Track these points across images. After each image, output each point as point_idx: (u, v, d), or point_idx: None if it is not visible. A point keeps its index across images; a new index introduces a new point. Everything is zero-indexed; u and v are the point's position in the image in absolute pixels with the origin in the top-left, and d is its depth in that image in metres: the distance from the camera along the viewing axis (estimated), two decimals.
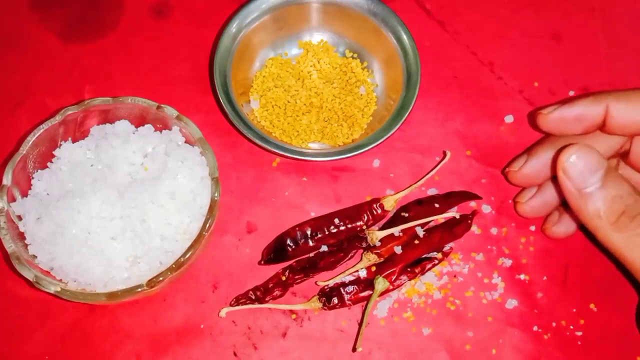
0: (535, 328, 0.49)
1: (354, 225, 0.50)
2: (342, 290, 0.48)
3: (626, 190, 0.39)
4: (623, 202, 0.39)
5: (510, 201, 0.53)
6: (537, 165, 0.48)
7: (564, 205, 0.49)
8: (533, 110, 0.52)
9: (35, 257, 0.45)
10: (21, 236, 0.46)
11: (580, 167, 0.39)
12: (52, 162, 0.49)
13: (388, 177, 0.54)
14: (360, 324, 0.48)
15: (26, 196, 0.47)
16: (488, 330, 0.49)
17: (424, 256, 0.50)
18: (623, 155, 0.47)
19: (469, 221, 0.51)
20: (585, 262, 0.51)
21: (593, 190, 0.39)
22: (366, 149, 0.50)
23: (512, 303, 0.49)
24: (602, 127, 0.45)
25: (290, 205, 0.53)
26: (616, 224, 0.39)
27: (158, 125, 0.50)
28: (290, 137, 0.54)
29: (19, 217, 0.46)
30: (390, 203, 0.50)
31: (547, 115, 0.46)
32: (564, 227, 0.49)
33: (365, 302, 0.49)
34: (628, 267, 0.40)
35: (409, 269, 0.49)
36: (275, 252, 0.50)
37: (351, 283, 0.49)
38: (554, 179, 0.48)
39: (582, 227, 0.51)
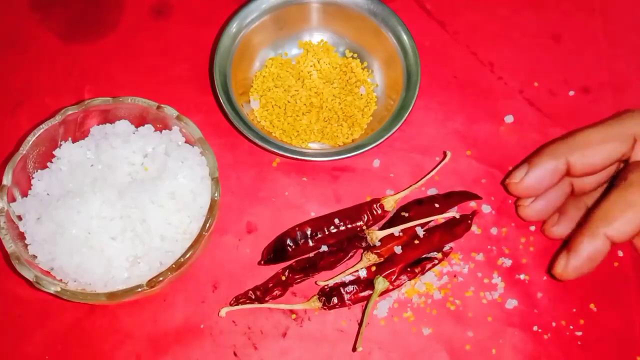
0: (535, 328, 0.49)
1: (354, 225, 0.50)
2: (342, 290, 0.48)
3: None
4: None
5: (510, 201, 0.53)
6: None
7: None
8: (503, 179, 0.53)
9: (35, 257, 0.45)
10: (21, 236, 0.46)
11: None
12: (52, 162, 0.48)
13: (388, 177, 0.54)
14: (360, 324, 0.48)
15: (26, 196, 0.47)
16: (488, 330, 0.49)
17: (424, 256, 0.50)
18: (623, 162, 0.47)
19: (469, 221, 0.51)
20: None
21: None
22: (366, 149, 0.50)
23: (512, 303, 0.49)
24: (566, 175, 0.47)
25: (290, 205, 0.53)
26: None
27: (158, 125, 0.50)
28: (290, 137, 0.54)
29: (19, 217, 0.46)
30: (391, 203, 0.50)
31: (518, 185, 0.47)
32: (564, 228, 0.49)
33: (365, 302, 0.49)
34: None
35: (409, 269, 0.49)
36: (275, 252, 0.50)
37: (351, 283, 0.49)
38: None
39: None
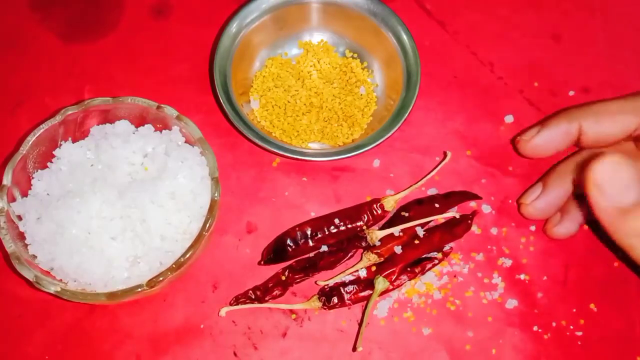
0: (535, 328, 0.49)
1: (354, 225, 0.50)
2: (342, 290, 0.48)
3: None
4: None
5: (510, 201, 0.53)
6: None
7: (589, 216, 0.48)
8: (515, 136, 0.53)
9: (35, 257, 0.45)
10: (21, 236, 0.46)
11: (616, 181, 0.35)
12: (52, 162, 0.49)
13: (388, 177, 0.54)
14: (360, 324, 0.48)
15: (26, 196, 0.47)
16: (488, 330, 0.49)
17: (424, 256, 0.50)
18: (636, 139, 0.47)
19: (469, 221, 0.51)
20: (585, 262, 0.51)
21: (631, 206, 0.35)
22: (366, 149, 0.50)
23: (512, 303, 0.49)
24: (577, 142, 0.47)
25: (290, 205, 0.53)
26: None
27: (158, 125, 0.50)
28: (290, 137, 0.54)
29: (19, 217, 0.46)
30: (391, 203, 0.50)
31: (528, 143, 0.48)
32: (565, 227, 0.49)
33: (365, 302, 0.49)
34: None
35: (409, 269, 0.49)
36: (275, 252, 0.50)
37: (351, 283, 0.49)
38: (577, 196, 0.48)
39: (594, 227, 0.51)
